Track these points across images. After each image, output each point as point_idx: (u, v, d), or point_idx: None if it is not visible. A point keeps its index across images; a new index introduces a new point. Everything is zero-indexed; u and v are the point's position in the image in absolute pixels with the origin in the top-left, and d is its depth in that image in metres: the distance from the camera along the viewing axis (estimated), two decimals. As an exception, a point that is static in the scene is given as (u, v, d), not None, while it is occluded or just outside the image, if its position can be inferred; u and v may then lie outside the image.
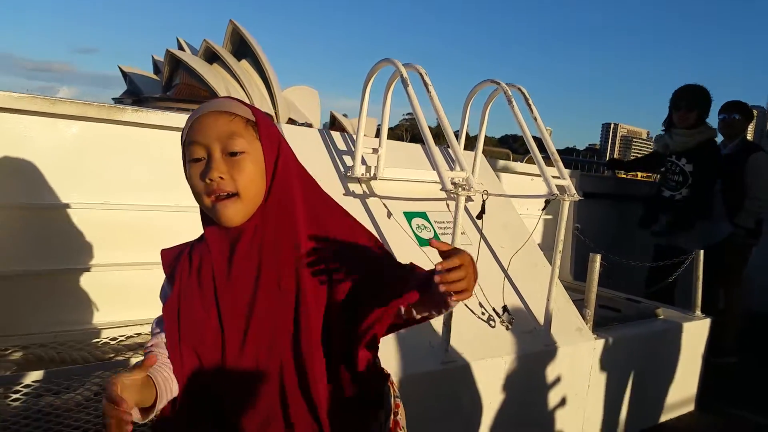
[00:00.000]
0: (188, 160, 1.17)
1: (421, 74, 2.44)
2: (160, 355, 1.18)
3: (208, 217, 1.21)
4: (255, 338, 1.15)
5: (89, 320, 2.58)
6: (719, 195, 4.50)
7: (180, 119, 2.63)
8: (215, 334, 1.17)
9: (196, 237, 1.31)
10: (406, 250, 2.58)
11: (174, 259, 1.29)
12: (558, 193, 2.54)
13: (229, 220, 1.15)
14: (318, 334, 1.14)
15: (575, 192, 2.63)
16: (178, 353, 1.18)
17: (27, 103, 2.24)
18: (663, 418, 3.44)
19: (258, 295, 1.16)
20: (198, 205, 1.21)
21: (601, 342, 2.92)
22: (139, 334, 2.67)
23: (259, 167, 1.17)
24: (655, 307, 3.54)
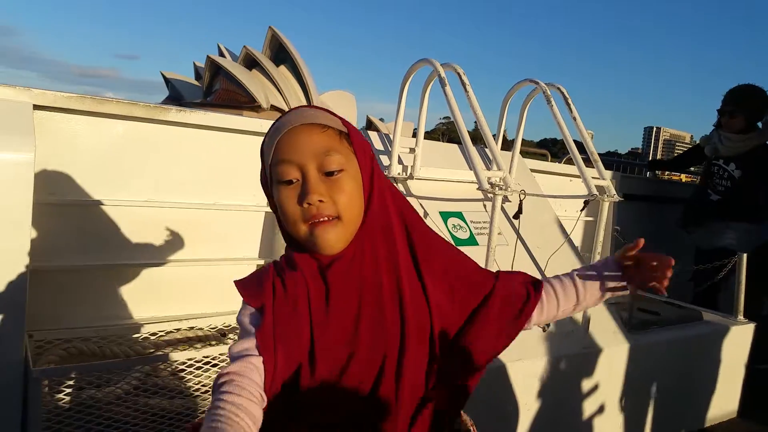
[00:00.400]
0: (278, 182, 1.04)
1: (459, 74, 2.44)
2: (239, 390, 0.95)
3: (294, 242, 1.08)
4: (354, 374, 1.04)
5: (130, 315, 2.65)
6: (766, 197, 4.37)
7: (220, 119, 2.69)
8: (306, 369, 1.03)
9: (271, 261, 1.20)
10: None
11: (258, 288, 1.07)
12: (597, 193, 2.51)
13: (331, 247, 1.03)
14: (421, 371, 1.08)
15: (615, 193, 2.60)
16: (272, 382, 1.01)
17: (76, 102, 2.32)
18: (703, 425, 3.35)
19: (360, 330, 1.04)
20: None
21: (639, 344, 2.87)
22: (178, 330, 2.73)
23: (358, 184, 1.05)
24: (695, 311, 3.46)
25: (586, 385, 2.66)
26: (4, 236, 1.99)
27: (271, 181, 1.06)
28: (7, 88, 2.16)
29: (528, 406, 2.46)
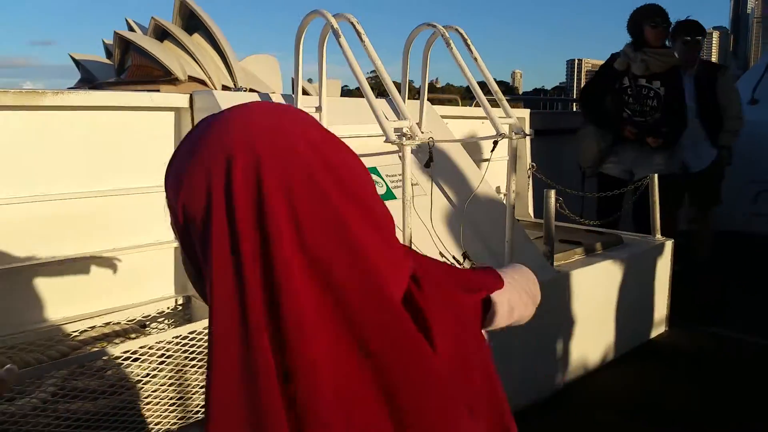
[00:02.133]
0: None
1: (352, 23, 2.34)
2: None
3: None
4: None
5: (39, 319, 2.49)
6: (695, 119, 4.45)
7: (102, 97, 2.51)
8: None
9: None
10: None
11: None
12: (505, 132, 2.48)
13: None
14: None
15: (523, 130, 2.58)
16: None
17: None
18: (636, 342, 3.47)
19: None
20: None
21: (564, 276, 2.91)
22: (93, 327, 2.59)
23: None
24: (615, 235, 3.55)
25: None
26: None
27: None
28: None
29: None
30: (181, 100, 2.68)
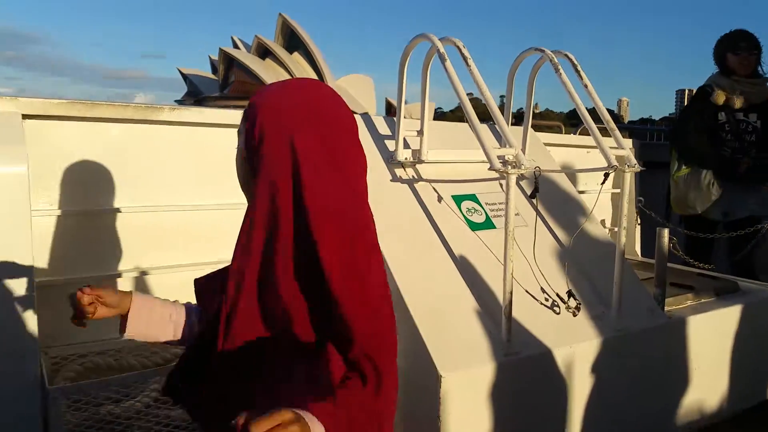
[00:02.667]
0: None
1: (458, 47, 2.29)
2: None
3: None
4: None
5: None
6: None
7: (216, 115, 2.59)
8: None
9: None
10: (458, 236, 2.46)
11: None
12: (617, 164, 2.35)
13: None
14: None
15: (635, 162, 2.43)
16: None
17: (66, 108, 2.24)
18: (753, 402, 3.17)
19: None
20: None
21: (675, 323, 2.71)
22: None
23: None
24: (731, 282, 3.28)
25: (623, 370, 2.51)
26: (6, 252, 1.93)
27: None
28: None
29: (560, 398, 2.33)
30: (287, 119, 2.72)
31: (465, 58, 2.23)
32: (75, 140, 2.35)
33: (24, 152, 1.95)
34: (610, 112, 2.56)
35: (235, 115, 2.66)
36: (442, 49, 2.26)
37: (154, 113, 2.42)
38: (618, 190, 3.62)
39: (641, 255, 4.12)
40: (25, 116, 2.12)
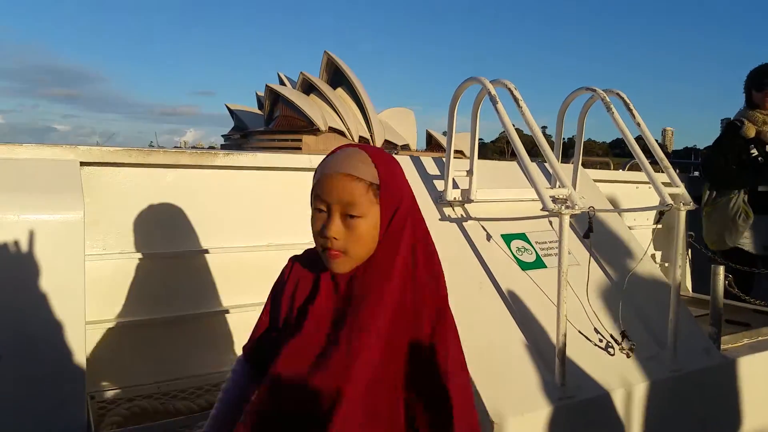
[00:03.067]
0: (313, 207, 1.28)
1: (510, 89, 2.30)
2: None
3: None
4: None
5: (192, 368, 2.62)
6: None
7: (267, 159, 2.65)
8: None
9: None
10: (509, 276, 2.44)
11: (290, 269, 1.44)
12: (672, 203, 2.31)
13: (336, 271, 1.27)
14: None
15: (690, 200, 2.39)
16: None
17: (122, 156, 2.33)
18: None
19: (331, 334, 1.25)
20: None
21: (732, 362, 2.62)
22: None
23: (374, 227, 1.26)
24: (791, 318, 3.16)
25: (680, 412, 2.43)
26: (59, 296, 1.99)
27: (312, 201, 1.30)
28: (55, 147, 2.18)
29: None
30: (336, 161, 2.77)
31: (516, 100, 2.24)
32: (130, 186, 2.43)
33: (80, 200, 2.02)
34: (659, 145, 2.52)
35: (286, 159, 2.74)
36: (493, 92, 2.27)
37: (209, 159, 2.49)
38: (659, 225, 3.56)
39: (692, 290, 4.01)
40: (83, 163, 2.20)
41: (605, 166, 5.91)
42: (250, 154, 2.60)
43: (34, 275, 1.95)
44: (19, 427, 1.94)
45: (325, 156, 1.32)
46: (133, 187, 2.41)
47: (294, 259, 1.43)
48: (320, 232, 1.24)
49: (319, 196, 1.25)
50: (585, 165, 3.58)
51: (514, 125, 2.48)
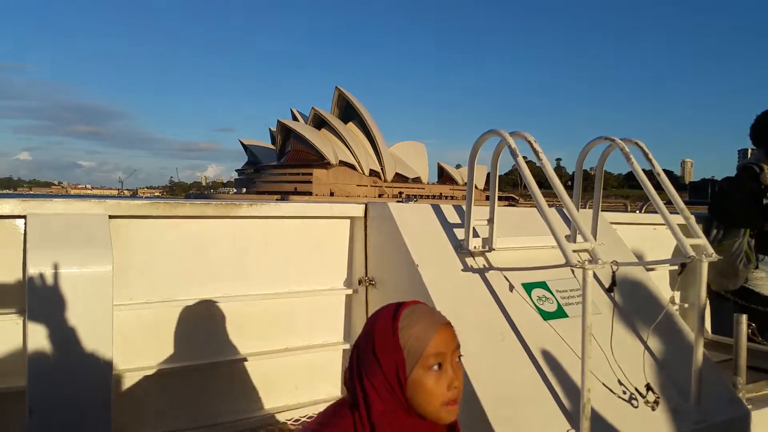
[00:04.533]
0: (428, 368, 1.30)
1: (529, 142, 2.33)
2: None
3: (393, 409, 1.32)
4: None
5: (216, 415, 2.61)
6: None
7: (290, 208, 2.69)
8: None
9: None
10: (530, 326, 2.44)
11: None
12: (695, 254, 2.31)
13: (451, 420, 1.34)
14: None
15: (712, 252, 2.38)
16: None
17: (149, 209, 2.37)
18: None
19: None
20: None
21: (759, 413, 2.59)
22: (264, 425, 2.66)
23: None
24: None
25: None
26: (86, 347, 2.01)
27: (408, 365, 1.31)
28: (84, 202, 2.22)
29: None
30: (356, 210, 2.80)
31: (536, 152, 2.26)
32: (157, 237, 2.45)
33: (109, 254, 2.05)
34: (668, 173, 2.53)
35: (309, 208, 2.77)
36: (513, 145, 2.30)
37: (233, 210, 2.53)
38: (674, 267, 3.54)
39: (711, 331, 3.97)
40: (111, 216, 2.24)
41: (623, 209, 5.89)
42: (273, 204, 2.63)
43: (65, 326, 1.98)
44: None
45: (396, 320, 1.35)
46: (160, 238, 2.45)
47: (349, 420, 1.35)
48: (448, 386, 1.30)
49: (438, 352, 1.31)
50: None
51: (525, 157, 2.49)
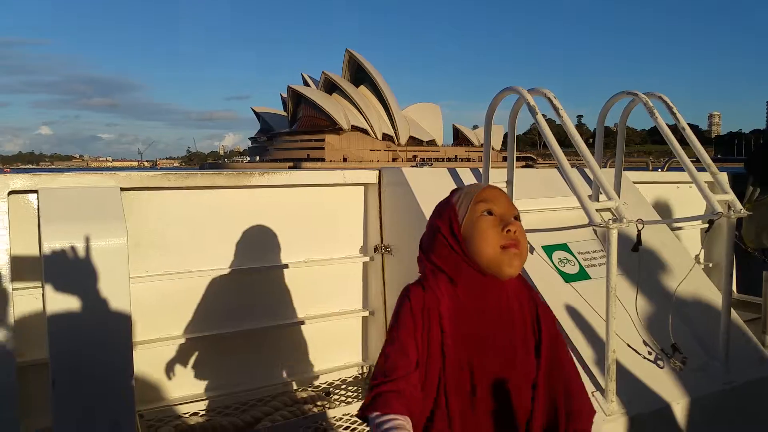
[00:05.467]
0: (480, 215, 1.31)
1: (549, 99, 2.24)
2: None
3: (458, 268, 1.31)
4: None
5: (236, 384, 2.62)
6: None
7: (302, 176, 2.65)
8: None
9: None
10: (552, 289, 2.39)
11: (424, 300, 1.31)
12: (722, 211, 2.23)
13: (514, 269, 1.30)
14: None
15: (740, 207, 2.30)
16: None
17: (161, 180, 2.34)
18: None
19: (517, 347, 1.32)
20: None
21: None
22: (284, 392, 2.67)
23: None
24: None
25: (733, 426, 2.36)
26: (105, 320, 2.00)
27: (460, 216, 1.33)
28: (95, 175, 2.19)
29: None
30: (369, 176, 2.75)
31: (556, 109, 2.18)
32: (170, 208, 2.43)
33: (123, 226, 2.02)
34: (693, 127, 2.43)
35: (321, 176, 2.72)
36: (532, 102, 2.22)
37: (245, 179, 2.48)
38: (704, 225, 3.45)
39: (737, 290, 3.90)
40: (123, 188, 2.21)
41: (645, 167, 5.77)
42: (285, 172, 2.59)
43: (83, 300, 1.96)
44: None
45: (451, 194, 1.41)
46: (173, 209, 2.42)
47: (419, 288, 1.33)
48: (501, 227, 1.29)
49: (488, 200, 1.33)
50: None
51: (545, 116, 2.41)
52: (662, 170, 4.32)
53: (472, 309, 1.30)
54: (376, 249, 2.75)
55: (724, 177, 2.39)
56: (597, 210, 2.06)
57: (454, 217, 1.35)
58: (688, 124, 2.52)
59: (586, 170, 2.57)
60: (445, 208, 1.39)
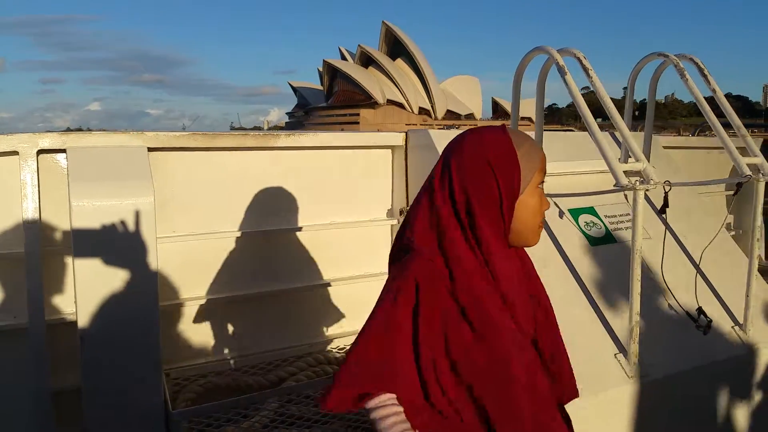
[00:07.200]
0: (536, 184, 1.23)
1: (579, 59, 2.20)
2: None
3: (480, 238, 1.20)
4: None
5: (260, 344, 2.67)
6: None
7: (328, 138, 2.66)
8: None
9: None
10: (578, 252, 2.38)
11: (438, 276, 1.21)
12: (751, 173, 2.18)
13: (535, 243, 1.29)
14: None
15: (771, 170, 2.25)
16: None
17: (188, 140, 2.37)
18: None
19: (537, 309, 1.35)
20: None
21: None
22: (310, 353, 2.72)
23: None
24: None
25: (758, 390, 2.33)
26: (132, 279, 2.05)
27: (516, 184, 1.21)
28: (122, 135, 2.23)
29: (691, 421, 2.19)
30: (396, 138, 2.75)
31: (586, 70, 2.14)
32: (196, 169, 2.46)
33: (150, 185, 2.06)
34: (743, 99, 2.37)
35: (347, 138, 2.73)
36: (561, 62, 2.18)
37: (272, 140, 2.51)
38: (731, 192, 3.37)
39: (764, 257, 3.82)
40: (150, 149, 2.25)
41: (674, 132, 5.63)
42: (311, 134, 2.60)
43: (110, 260, 2.02)
44: (100, 405, 2.03)
45: (508, 135, 1.22)
46: (199, 170, 2.46)
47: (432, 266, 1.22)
48: (545, 201, 1.26)
49: (543, 168, 1.24)
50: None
51: (586, 89, 2.37)
52: (692, 135, 4.21)
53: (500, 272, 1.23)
54: (401, 212, 2.76)
55: (753, 141, 2.32)
56: (624, 171, 2.03)
57: (518, 181, 1.20)
58: (737, 95, 2.45)
59: (616, 133, 2.53)
60: (511, 163, 1.20)
